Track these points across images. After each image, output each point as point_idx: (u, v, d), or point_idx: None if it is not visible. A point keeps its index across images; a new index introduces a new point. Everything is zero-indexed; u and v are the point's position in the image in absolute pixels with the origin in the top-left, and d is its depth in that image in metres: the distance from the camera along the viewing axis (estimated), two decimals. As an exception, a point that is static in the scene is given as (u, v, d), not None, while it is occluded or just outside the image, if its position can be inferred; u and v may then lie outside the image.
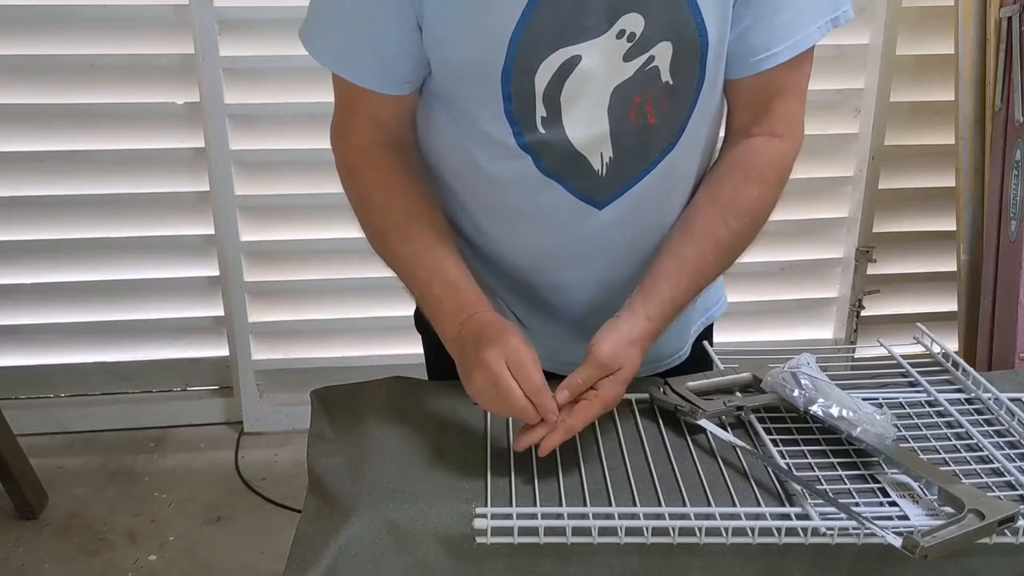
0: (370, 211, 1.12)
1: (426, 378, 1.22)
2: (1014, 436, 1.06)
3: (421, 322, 1.28)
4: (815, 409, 1.03)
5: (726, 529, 0.88)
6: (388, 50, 1.03)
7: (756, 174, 1.09)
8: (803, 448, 1.03)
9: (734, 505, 0.94)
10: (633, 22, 0.98)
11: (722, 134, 1.16)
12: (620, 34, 0.98)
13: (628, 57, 1.00)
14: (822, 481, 0.97)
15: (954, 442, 1.05)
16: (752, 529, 0.88)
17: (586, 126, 1.03)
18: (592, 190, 1.07)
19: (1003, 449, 1.03)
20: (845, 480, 0.97)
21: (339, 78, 1.09)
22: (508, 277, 1.18)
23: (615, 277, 1.15)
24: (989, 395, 1.13)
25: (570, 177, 1.06)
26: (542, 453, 0.97)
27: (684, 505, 0.94)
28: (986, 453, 1.03)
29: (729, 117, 1.12)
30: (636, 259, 1.14)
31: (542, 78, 1.00)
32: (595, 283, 1.16)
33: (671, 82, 1.02)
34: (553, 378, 1.19)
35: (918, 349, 1.28)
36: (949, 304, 2.47)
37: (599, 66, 1.00)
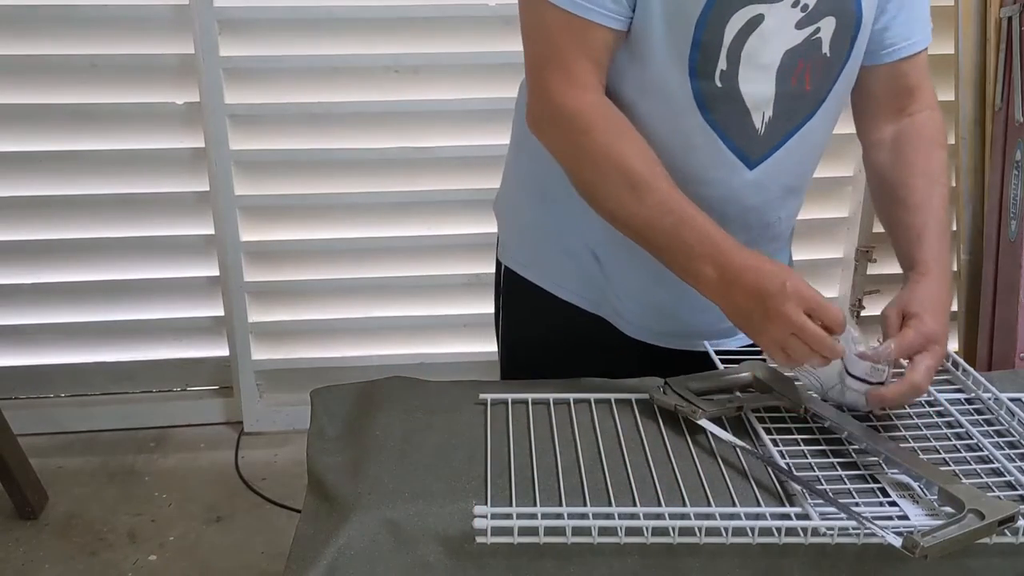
0: (612, 159, 1.07)
1: (429, 380, 1.22)
2: (1014, 436, 1.06)
3: (498, 321, 1.35)
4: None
5: (726, 529, 0.88)
6: None
7: (937, 141, 1.22)
8: (803, 448, 1.03)
9: (734, 505, 0.94)
10: None
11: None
12: (795, 3, 1.07)
13: (800, 25, 1.08)
14: (822, 481, 0.97)
15: (954, 442, 1.05)
16: (752, 529, 0.88)
17: (758, 84, 1.10)
18: (748, 148, 1.13)
19: (1003, 449, 1.03)
20: (845, 480, 0.97)
21: (556, 21, 1.05)
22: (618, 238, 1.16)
23: None
24: (989, 395, 1.14)
25: (733, 134, 1.12)
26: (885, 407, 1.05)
27: (684, 505, 0.93)
28: (986, 453, 1.03)
29: (880, 101, 1.23)
30: (756, 223, 1.20)
31: (731, 30, 1.06)
32: None
33: (828, 54, 1.11)
34: (644, 347, 1.26)
35: (918, 349, 1.28)
36: (949, 304, 2.47)
37: (777, 28, 1.07)
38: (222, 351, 2.64)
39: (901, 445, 1.01)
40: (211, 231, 2.49)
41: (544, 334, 1.31)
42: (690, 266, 1.05)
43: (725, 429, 1.05)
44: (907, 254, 1.16)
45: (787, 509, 0.92)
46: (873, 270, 2.66)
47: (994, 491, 0.95)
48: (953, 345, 2.37)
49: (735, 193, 1.16)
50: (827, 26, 1.09)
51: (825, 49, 1.10)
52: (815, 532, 0.89)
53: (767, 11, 1.06)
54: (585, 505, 0.93)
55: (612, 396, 1.12)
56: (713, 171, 1.14)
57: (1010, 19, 2.08)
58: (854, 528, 0.88)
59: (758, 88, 1.10)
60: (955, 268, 2.35)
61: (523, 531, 0.88)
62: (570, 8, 1.04)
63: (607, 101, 1.10)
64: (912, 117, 1.23)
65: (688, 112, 1.10)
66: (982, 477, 0.98)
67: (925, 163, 1.20)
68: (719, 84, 1.09)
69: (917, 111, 1.23)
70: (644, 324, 1.27)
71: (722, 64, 1.07)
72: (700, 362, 1.22)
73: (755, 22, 1.06)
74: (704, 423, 1.04)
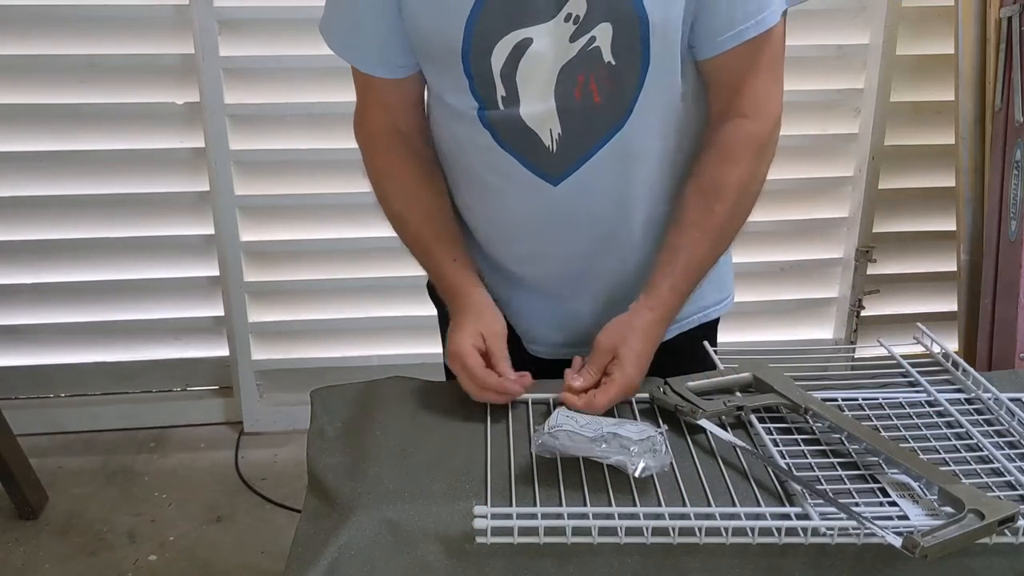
0: (380, 193, 1.24)
1: (429, 380, 1.22)
2: (1014, 436, 1.06)
3: (434, 292, 1.33)
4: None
5: (726, 529, 0.88)
6: (378, 35, 1.13)
7: (731, 154, 1.12)
8: (803, 448, 1.03)
9: (734, 505, 0.94)
10: (578, 5, 1.06)
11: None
12: (567, 17, 1.06)
13: (573, 38, 1.07)
14: (822, 481, 0.97)
15: (954, 442, 1.06)
16: (752, 529, 0.88)
17: (535, 103, 1.10)
18: (546, 166, 1.14)
19: (1003, 449, 1.03)
20: (845, 480, 0.97)
21: (354, 70, 1.19)
22: (484, 251, 1.26)
23: (577, 250, 1.21)
24: (989, 395, 1.14)
25: (525, 152, 1.13)
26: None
27: (684, 505, 0.94)
28: (986, 453, 1.03)
29: (710, 101, 1.15)
30: (594, 233, 1.19)
31: (497, 59, 1.08)
32: (559, 257, 1.22)
33: (613, 62, 1.08)
34: (536, 364, 1.23)
35: (918, 349, 1.28)
36: (949, 304, 2.47)
37: (548, 47, 1.07)
38: (222, 351, 2.64)
39: (901, 445, 1.01)
40: (211, 231, 2.50)
41: None
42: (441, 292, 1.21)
43: (725, 429, 1.05)
44: (652, 276, 1.14)
45: (787, 509, 0.92)
46: (873, 270, 2.66)
47: (994, 491, 0.95)
48: (953, 345, 2.37)
49: (549, 207, 1.16)
50: (603, 33, 1.06)
51: (608, 58, 1.07)
52: (815, 532, 0.89)
53: (534, 33, 1.06)
54: (585, 505, 0.93)
55: (612, 396, 1.12)
56: (522, 186, 1.15)
57: (1010, 19, 2.08)
58: (854, 528, 0.88)
59: (536, 108, 1.10)
60: (955, 268, 2.35)
61: (523, 531, 0.88)
62: (353, 63, 1.19)
63: (386, 138, 1.21)
64: (723, 124, 1.13)
65: (482, 136, 1.14)
66: (982, 477, 0.98)
67: (709, 180, 1.12)
68: (502, 108, 1.11)
69: (730, 116, 1.12)
70: (547, 339, 1.29)
71: (501, 91, 1.10)
72: None
73: (523, 46, 1.07)
74: (704, 423, 1.05)
